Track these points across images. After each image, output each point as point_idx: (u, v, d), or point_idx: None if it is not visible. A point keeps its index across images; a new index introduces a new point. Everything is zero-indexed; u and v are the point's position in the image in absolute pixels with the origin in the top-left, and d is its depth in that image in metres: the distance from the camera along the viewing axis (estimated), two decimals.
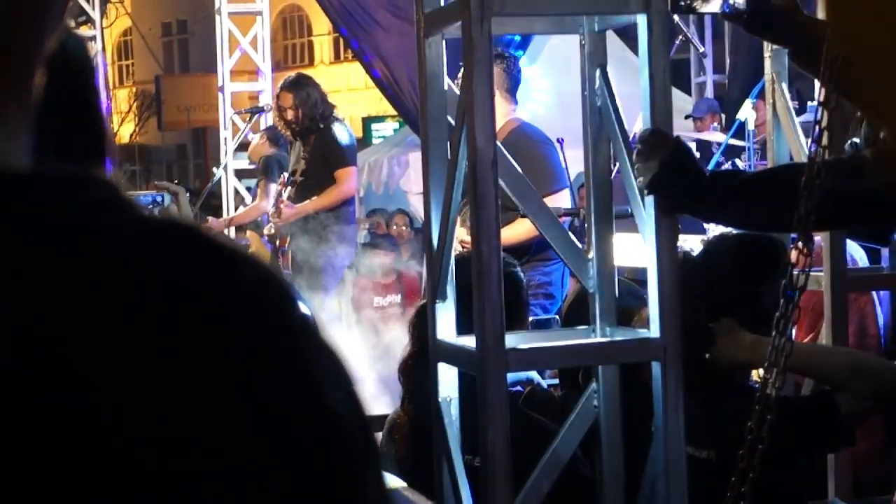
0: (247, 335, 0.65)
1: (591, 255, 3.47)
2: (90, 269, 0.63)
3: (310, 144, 8.48)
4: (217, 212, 11.22)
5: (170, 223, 0.68)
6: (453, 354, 3.40)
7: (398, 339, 10.68)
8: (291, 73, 9.11)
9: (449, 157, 3.43)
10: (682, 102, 11.11)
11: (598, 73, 3.48)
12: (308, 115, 8.42)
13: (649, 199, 3.24)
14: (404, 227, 11.64)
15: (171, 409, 0.62)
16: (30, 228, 0.63)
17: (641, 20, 3.24)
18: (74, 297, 0.62)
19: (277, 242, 8.67)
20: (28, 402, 0.60)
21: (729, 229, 3.65)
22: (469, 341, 3.23)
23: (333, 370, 0.69)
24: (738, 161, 8.75)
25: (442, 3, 3.50)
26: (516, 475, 3.23)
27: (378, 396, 9.02)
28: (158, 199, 9.62)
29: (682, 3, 3.40)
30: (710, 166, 8.72)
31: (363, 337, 10.96)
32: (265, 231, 9.03)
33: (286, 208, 8.46)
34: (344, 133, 8.59)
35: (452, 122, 3.48)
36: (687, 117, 11.05)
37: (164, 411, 0.62)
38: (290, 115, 8.48)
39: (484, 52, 3.15)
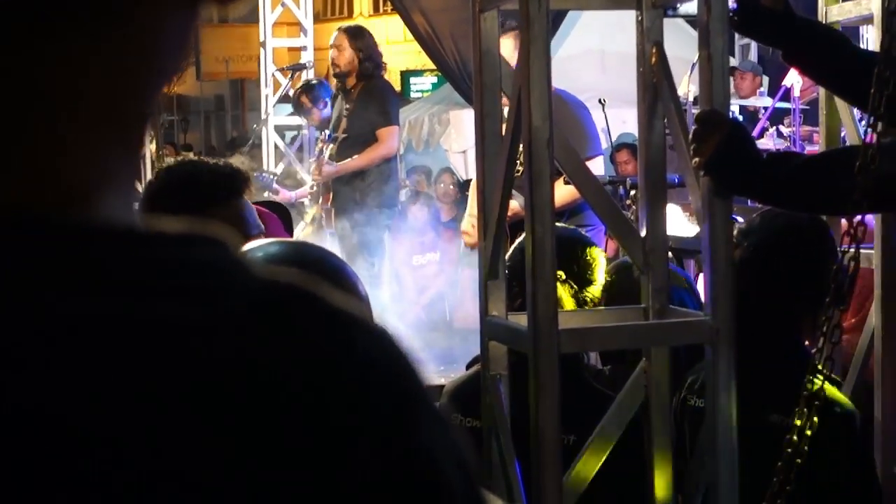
0: (355, 412, 0.65)
1: (643, 232, 3.45)
2: (197, 334, 0.63)
3: (353, 100, 8.47)
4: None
5: (284, 286, 0.68)
6: (505, 333, 3.39)
7: (436, 296, 10.74)
8: (333, 28, 9.11)
9: (503, 133, 3.42)
10: None
11: (654, 50, 3.45)
12: (359, 63, 8.42)
13: (704, 180, 3.22)
14: (451, 186, 11.62)
15: (286, 490, 0.62)
16: (138, 288, 0.63)
17: (700, 0, 3.20)
18: (177, 374, 0.62)
19: (321, 200, 8.69)
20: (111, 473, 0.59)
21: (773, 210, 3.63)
22: (521, 320, 3.23)
23: (445, 443, 0.69)
24: (782, 127, 8.71)
25: None
26: (575, 444, 3.24)
27: (422, 357, 9.05)
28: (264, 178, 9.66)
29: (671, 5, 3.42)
30: (756, 132, 8.68)
31: (403, 295, 10.99)
32: (307, 189, 9.04)
33: (327, 166, 8.47)
34: (388, 92, 8.58)
35: (506, 98, 3.46)
36: (730, 71, 10.99)
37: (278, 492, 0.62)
38: (343, 58, 8.47)
39: (541, 29, 3.13)
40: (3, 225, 0.62)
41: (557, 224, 3.26)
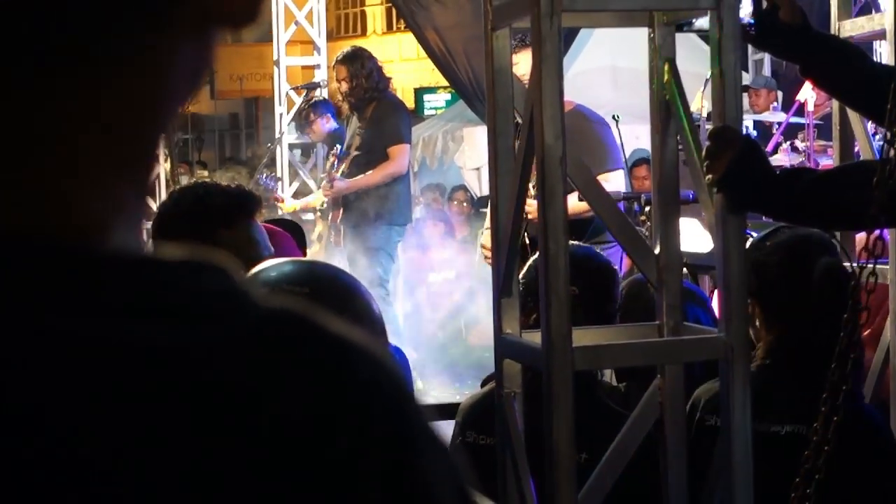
0: (356, 440, 0.65)
1: (657, 249, 3.45)
2: (196, 360, 0.63)
3: (365, 119, 8.53)
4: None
5: (282, 314, 0.68)
6: (519, 351, 3.40)
7: (450, 314, 10.74)
8: (347, 46, 9.16)
9: (516, 150, 3.42)
10: None
11: (666, 67, 3.45)
12: (362, 86, 8.48)
13: (717, 196, 3.22)
14: (465, 203, 11.63)
15: None
16: (138, 312, 0.64)
17: (712, 16, 3.21)
18: (170, 398, 0.62)
19: (330, 217, 8.72)
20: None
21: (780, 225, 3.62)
22: (535, 337, 3.23)
23: (444, 468, 0.69)
24: (797, 142, 8.70)
25: None
26: (588, 462, 3.23)
27: (435, 375, 9.07)
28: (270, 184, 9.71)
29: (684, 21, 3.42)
30: (770, 147, 8.68)
31: (417, 312, 10.99)
32: (316, 205, 9.07)
33: (338, 182, 8.51)
34: (400, 110, 8.63)
35: (519, 117, 3.47)
36: (743, 89, 11.02)
37: None
38: (344, 87, 8.57)
39: (553, 47, 3.13)
40: (10, 249, 0.63)
41: (571, 242, 3.26)
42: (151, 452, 0.61)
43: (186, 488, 0.61)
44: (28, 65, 0.65)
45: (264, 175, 10.12)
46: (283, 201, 9.47)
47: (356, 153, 8.54)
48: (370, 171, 8.43)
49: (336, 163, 8.60)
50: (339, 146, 8.71)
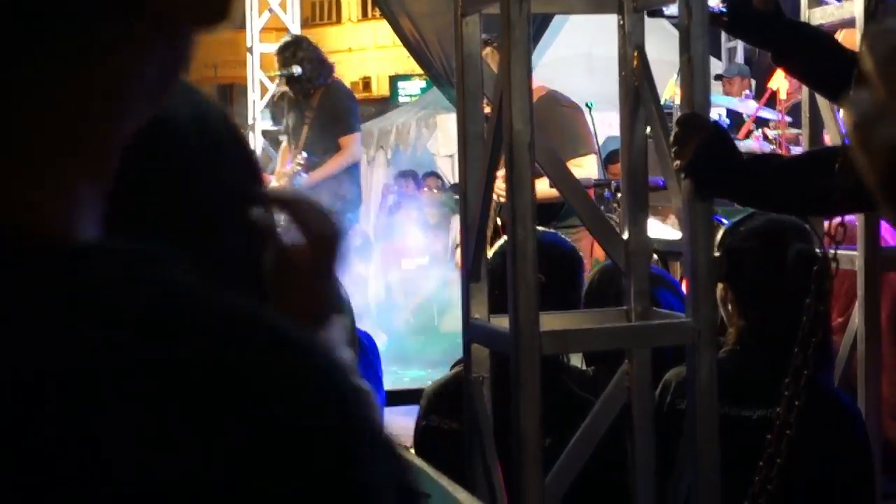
0: (297, 443, 0.65)
1: (625, 235, 3.46)
2: (134, 357, 0.63)
3: (313, 108, 8.53)
4: None
5: (229, 307, 0.68)
6: (487, 336, 3.41)
7: (423, 300, 10.75)
8: (287, 35, 9.20)
9: (485, 137, 3.43)
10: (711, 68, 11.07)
11: (635, 53, 3.47)
12: (305, 71, 8.49)
13: (685, 182, 3.24)
14: (436, 190, 11.64)
15: None
16: (75, 300, 0.64)
17: (681, 3, 3.22)
18: (105, 381, 0.62)
19: None
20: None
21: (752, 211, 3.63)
22: (503, 322, 3.24)
23: (391, 471, 0.69)
24: (766, 130, 8.72)
25: None
26: (558, 448, 3.25)
27: (410, 362, 9.08)
28: None
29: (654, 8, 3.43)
30: (742, 135, 8.70)
31: (390, 298, 11.00)
32: None
33: (297, 178, 8.53)
34: (346, 99, 8.64)
35: (487, 105, 3.48)
36: (717, 78, 11.04)
37: None
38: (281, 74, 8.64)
39: (522, 33, 3.14)
40: None
41: (538, 228, 3.28)
42: (87, 444, 0.61)
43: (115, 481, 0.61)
44: None
45: None
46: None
47: (308, 140, 8.55)
48: (325, 164, 8.43)
49: (292, 157, 8.61)
50: (283, 138, 8.73)
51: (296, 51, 8.65)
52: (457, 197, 9.35)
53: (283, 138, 9.93)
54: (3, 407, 0.61)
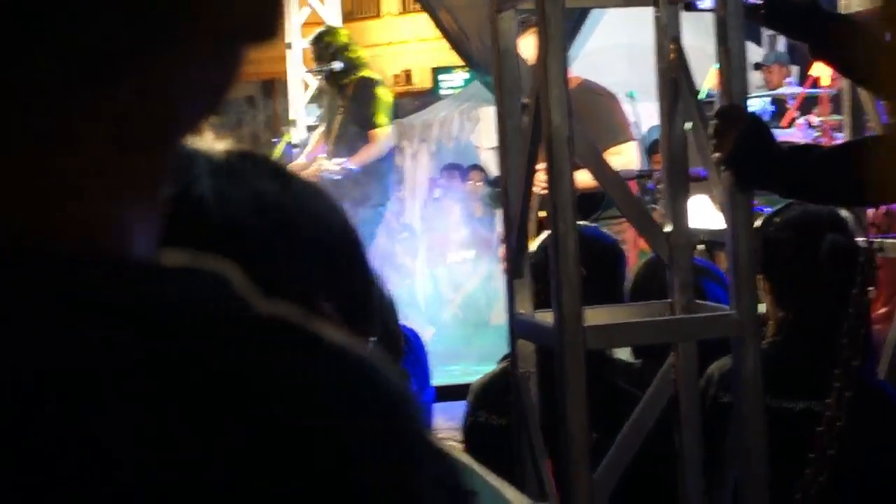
0: (355, 456, 0.65)
1: (668, 227, 3.46)
2: (186, 370, 0.64)
3: (346, 98, 8.56)
4: None
5: (279, 323, 0.68)
6: (532, 331, 3.41)
7: (472, 293, 10.75)
8: (320, 28, 9.26)
9: (524, 131, 3.43)
10: (752, 55, 11.02)
11: (672, 46, 3.46)
12: (337, 62, 8.56)
13: (725, 174, 3.23)
14: (479, 183, 11.63)
15: None
16: (124, 317, 0.64)
17: None
18: (153, 402, 0.63)
19: None
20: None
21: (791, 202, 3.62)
22: (547, 317, 3.24)
23: (441, 475, 0.70)
24: (811, 117, 8.68)
25: None
26: (605, 442, 3.25)
27: (458, 355, 9.08)
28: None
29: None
30: (786, 122, 8.66)
31: (438, 292, 11.00)
32: None
33: (325, 174, 8.58)
34: (380, 92, 8.66)
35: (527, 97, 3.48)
36: (757, 67, 11.01)
37: None
38: (317, 66, 8.78)
39: (557, 27, 3.14)
40: (17, 256, 0.64)
41: (579, 222, 3.28)
42: (136, 457, 0.62)
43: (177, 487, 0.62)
44: (36, 76, 0.66)
45: (281, 142, 10.14)
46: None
47: (339, 134, 8.59)
48: (350, 158, 8.48)
49: (324, 146, 8.66)
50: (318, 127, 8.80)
51: (330, 42, 8.70)
52: (498, 189, 9.34)
53: (303, 123, 10.01)
54: (7, 410, 0.61)
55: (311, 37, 8.92)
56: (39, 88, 0.66)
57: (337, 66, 8.91)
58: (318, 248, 1.21)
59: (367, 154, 8.47)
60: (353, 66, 8.62)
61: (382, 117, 8.54)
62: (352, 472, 0.65)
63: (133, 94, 0.68)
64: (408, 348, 3.73)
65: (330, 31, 9.10)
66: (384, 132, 8.51)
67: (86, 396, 0.62)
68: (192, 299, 0.67)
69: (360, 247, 1.28)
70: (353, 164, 8.44)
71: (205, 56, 0.70)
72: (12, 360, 0.62)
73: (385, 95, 8.76)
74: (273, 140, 10.30)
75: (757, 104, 8.89)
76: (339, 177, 8.39)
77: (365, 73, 8.73)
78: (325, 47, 8.66)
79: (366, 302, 1.28)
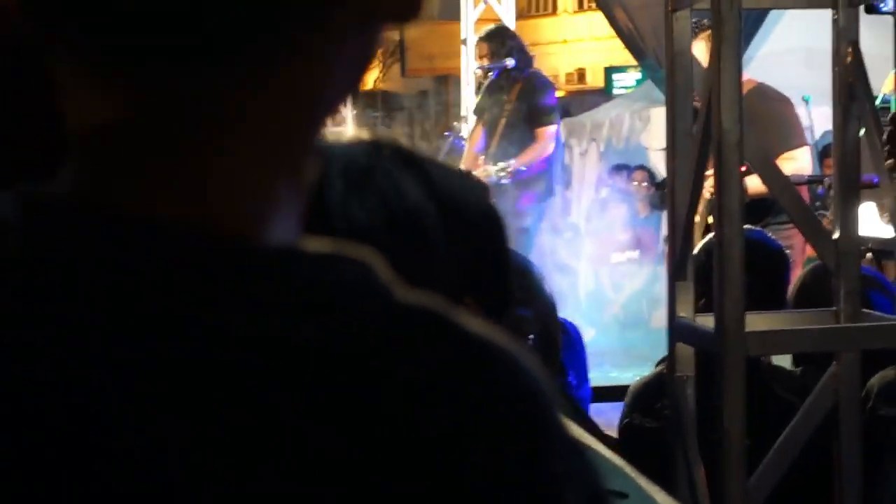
0: (490, 452, 0.65)
1: (836, 234, 3.40)
2: (333, 357, 0.65)
3: (512, 101, 8.56)
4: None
5: (423, 312, 0.69)
6: (692, 334, 3.38)
7: (634, 294, 10.68)
8: (491, 25, 9.24)
9: (694, 134, 3.40)
10: None
11: (849, 49, 3.40)
12: (504, 65, 8.55)
13: None
14: (644, 184, 11.55)
15: None
16: (280, 308, 0.65)
17: None
18: (294, 385, 0.64)
19: None
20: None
21: None
22: (708, 321, 3.21)
23: (581, 474, 0.69)
24: None
25: None
26: (756, 449, 3.21)
27: (619, 356, 9.03)
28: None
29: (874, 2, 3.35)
30: None
31: (601, 292, 10.96)
32: None
33: (492, 180, 8.58)
34: (547, 88, 8.65)
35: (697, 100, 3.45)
36: None
37: None
38: (486, 62, 8.67)
39: (733, 29, 3.11)
40: (165, 241, 0.66)
41: (746, 226, 3.24)
42: (282, 444, 0.63)
43: (309, 482, 0.63)
44: (191, 61, 0.67)
45: (452, 136, 10.18)
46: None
47: (505, 130, 8.58)
48: (516, 157, 8.46)
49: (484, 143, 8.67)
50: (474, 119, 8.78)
51: (504, 40, 8.72)
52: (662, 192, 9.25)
53: (472, 118, 10.03)
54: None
55: (482, 33, 8.92)
56: (202, 73, 0.67)
57: (510, 62, 8.92)
58: (456, 247, 1.20)
59: (535, 153, 8.47)
60: (525, 63, 8.62)
61: (550, 115, 8.53)
62: (484, 462, 0.65)
63: (286, 74, 0.69)
64: (567, 341, 3.73)
65: (501, 29, 9.11)
66: (551, 130, 8.51)
67: (233, 392, 0.64)
68: (335, 283, 0.68)
69: (503, 239, 1.26)
70: (520, 163, 8.43)
71: (350, 36, 0.71)
72: (157, 352, 0.64)
73: (551, 93, 8.75)
74: (445, 133, 10.35)
75: None
76: (508, 181, 8.40)
77: (534, 70, 8.74)
78: (501, 44, 8.67)
79: (507, 294, 1.28)
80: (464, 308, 0.89)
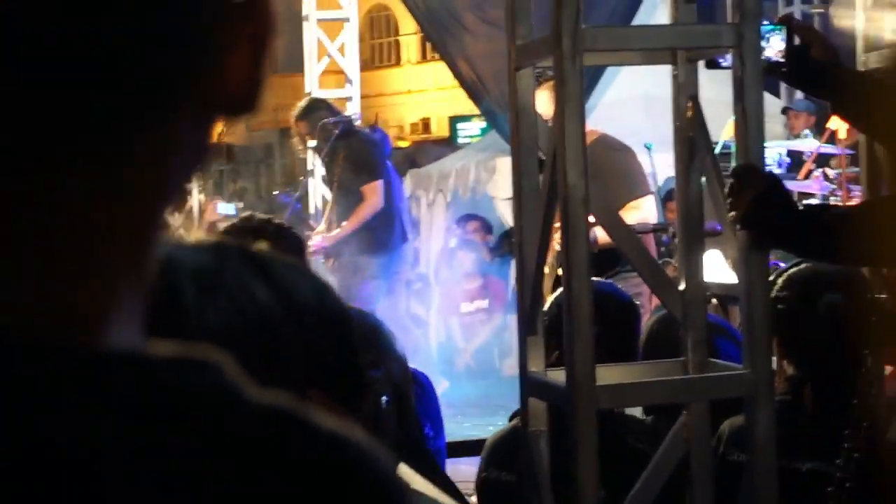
0: None
1: (682, 286, 3.46)
2: (179, 463, 0.64)
3: (340, 162, 8.68)
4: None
5: (271, 412, 0.68)
6: (543, 389, 3.41)
7: (485, 343, 10.73)
8: (303, 101, 9.30)
9: (541, 190, 3.44)
10: (770, 106, 11.04)
11: (689, 104, 3.47)
12: (327, 136, 8.65)
13: (740, 232, 3.23)
14: (478, 233, 11.67)
15: None
16: (125, 414, 0.65)
17: (734, 54, 3.22)
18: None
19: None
20: None
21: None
22: (559, 376, 3.24)
23: None
24: (827, 170, 8.68)
25: (534, 34, 3.50)
26: (612, 500, 3.24)
27: (471, 407, 9.06)
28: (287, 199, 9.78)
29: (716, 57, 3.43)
30: (802, 174, 8.67)
31: (452, 342, 10.99)
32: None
33: (324, 241, 8.67)
34: (368, 147, 8.75)
35: (543, 154, 3.49)
36: (784, 111, 11.06)
37: None
38: (310, 141, 8.89)
39: (576, 87, 3.15)
40: (8, 348, 0.64)
41: (595, 279, 3.28)
42: None
43: None
44: (30, 161, 0.66)
45: (285, 194, 10.21)
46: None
47: (338, 195, 8.74)
48: (347, 220, 8.56)
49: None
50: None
51: (319, 111, 8.83)
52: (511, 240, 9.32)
53: (319, 172, 10.11)
54: None
55: (297, 113, 8.99)
56: (30, 175, 0.66)
57: (354, 117, 8.99)
58: (301, 341, 1.24)
59: (363, 212, 8.54)
60: (341, 134, 8.74)
61: (375, 171, 8.62)
62: None
63: (122, 173, 0.68)
64: (421, 393, 3.74)
65: (313, 101, 9.26)
66: (376, 185, 8.58)
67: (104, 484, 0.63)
68: (183, 388, 0.67)
69: (347, 327, 1.30)
70: (350, 227, 8.52)
71: (188, 130, 0.71)
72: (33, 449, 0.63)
73: (374, 149, 8.83)
74: (274, 193, 10.33)
75: (773, 154, 8.91)
76: (344, 246, 8.49)
77: (356, 129, 8.87)
78: (318, 118, 8.77)
79: (355, 380, 1.31)
80: (310, 400, 0.89)
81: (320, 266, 8.53)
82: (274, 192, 10.46)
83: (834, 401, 3.20)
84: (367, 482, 0.69)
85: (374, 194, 8.56)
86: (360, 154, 8.67)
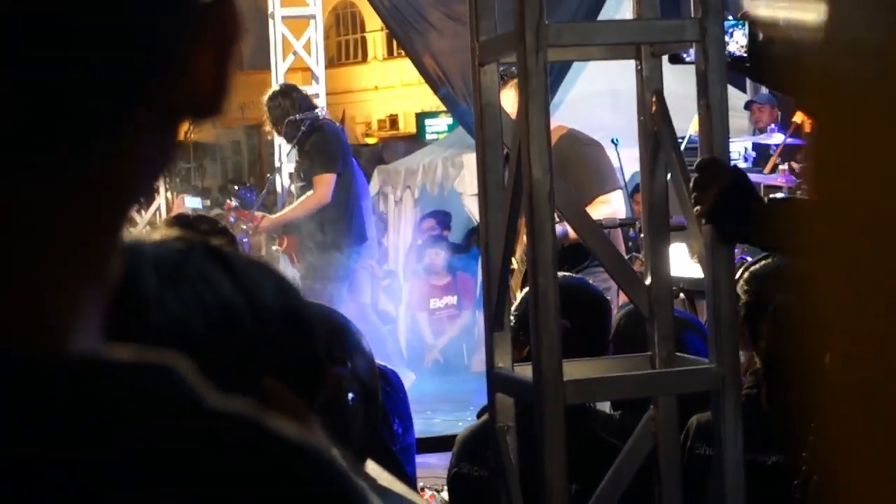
0: None
1: (648, 280, 3.46)
2: (137, 472, 0.64)
3: (304, 152, 8.69)
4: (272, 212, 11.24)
5: (229, 418, 0.68)
6: (511, 385, 3.41)
7: (454, 339, 10.74)
8: (274, 88, 9.31)
9: (506, 185, 3.44)
10: (735, 100, 11.08)
11: (654, 98, 3.47)
12: (294, 122, 8.64)
13: (706, 227, 3.24)
14: (435, 231, 11.69)
15: None
16: (85, 420, 0.64)
17: (697, 48, 3.23)
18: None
19: (275, 246, 8.84)
20: None
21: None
22: (526, 371, 3.24)
23: None
24: (794, 163, 8.71)
25: (497, 30, 3.50)
26: (583, 493, 3.25)
27: (440, 402, 9.06)
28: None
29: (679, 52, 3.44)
30: (768, 168, 8.70)
31: (421, 338, 11.00)
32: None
33: (264, 221, 8.65)
34: (329, 139, 8.71)
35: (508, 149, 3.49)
36: (747, 106, 11.10)
37: None
38: (280, 128, 8.91)
39: (539, 83, 3.15)
40: None
41: (563, 274, 3.28)
42: None
43: None
44: None
45: (246, 189, 10.21)
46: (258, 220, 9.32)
47: (298, 183, 8.71)
48: (292, 206, 8.57)
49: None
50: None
51: (290, 94, 8.78)
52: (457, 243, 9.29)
53: (287, 168, 10.09)
54: None
55: (267, 96, 8.95)
56: None
57: (320, 111, 8.98)
58: (261, 334, 1.24)
59: (309, 202, 8.52)
60: (312, 115, 8.71)
61: (330, 163, 8.58)
62: None
63: (86, 177, 0.67)
64: (389, 388, 3.74)
65: (284, 87, 9.21)
66: (322, 179, 8.54)
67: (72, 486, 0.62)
68: (144, 394, 0.67)
69: (308, 323, 1.31)
70: (290, 213, 8.50)
71: (152, 133, 0.70)
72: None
73: (335, 142, 8.79)
74: (242, 191, 10.33)
75: (738, 148, 8.94)
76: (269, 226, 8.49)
77: (320, 122, 8.83)
78: (291, 105, 8.73)
79: (314, 371, 1.31)
80: (267, 389, 0.89)
81: (285, 265, 8.53)
82: (235, 187, 10.44)
83: (790, 397, 3.21)
84: (326, 488, 0.69)
85: (322, 186, 8.52)
86: (321, 145, 8.64)
